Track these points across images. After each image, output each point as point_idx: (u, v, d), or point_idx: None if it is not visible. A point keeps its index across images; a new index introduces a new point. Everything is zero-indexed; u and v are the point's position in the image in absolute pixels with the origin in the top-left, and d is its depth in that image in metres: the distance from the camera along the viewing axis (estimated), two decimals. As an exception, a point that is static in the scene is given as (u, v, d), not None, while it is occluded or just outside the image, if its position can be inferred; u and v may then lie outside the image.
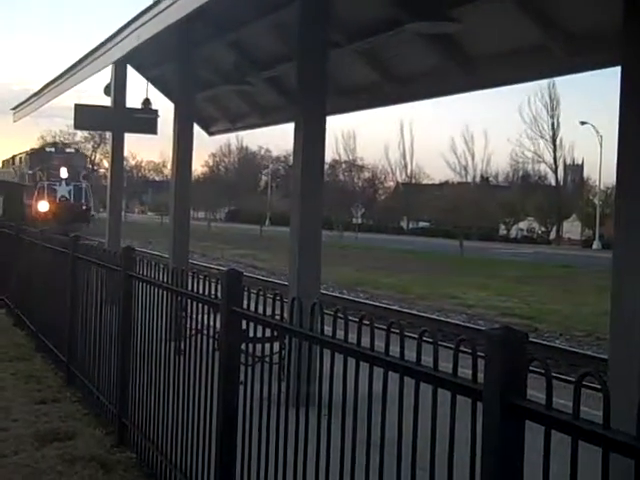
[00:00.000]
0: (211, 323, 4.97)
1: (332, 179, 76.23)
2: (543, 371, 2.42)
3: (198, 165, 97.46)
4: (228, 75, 11.82)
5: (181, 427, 5.27)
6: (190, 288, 5.35)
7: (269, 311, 4.19)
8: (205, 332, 5.08)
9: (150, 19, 9.00)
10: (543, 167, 78.69)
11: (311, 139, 8.17)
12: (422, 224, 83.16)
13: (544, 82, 70.78)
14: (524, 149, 77.53)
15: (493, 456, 2.43)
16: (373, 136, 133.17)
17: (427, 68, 9.19)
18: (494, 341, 2.46)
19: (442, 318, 18.32)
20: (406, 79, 9.66)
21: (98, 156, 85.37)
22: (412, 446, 2.91)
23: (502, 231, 77.63)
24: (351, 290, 24.37)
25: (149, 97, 14.67)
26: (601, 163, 66.33)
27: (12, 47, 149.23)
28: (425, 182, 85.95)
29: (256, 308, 4.35)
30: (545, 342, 15.23)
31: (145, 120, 14.38)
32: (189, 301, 5.41)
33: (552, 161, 76.46)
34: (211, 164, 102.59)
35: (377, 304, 20.28)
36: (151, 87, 14.81)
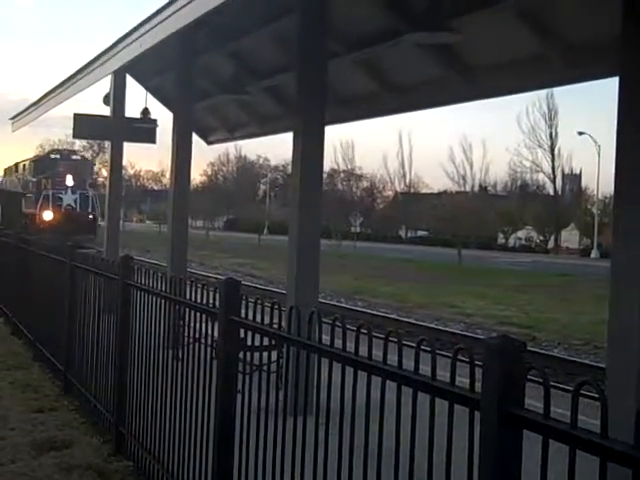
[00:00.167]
0: (209, 332, 4.97)
1: (331, 188, 76.21)
2: (541, 380, 2.42)
3: (197, 174, 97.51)
4: (227, 85, 11.84)
5: (178, 436, 5.26)
6: (188, 297, 5.35)
7: (267, 320, 4.19)
8: (203, 341, 5.08)
9: (150, 29, 9.02)
10: (541, 176, 78.80)
11: (310, 148, 8.18)
12: (420, 233, 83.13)
13: (542, 92, 70.94)
14: (522, 158, 77.68)
15: (490, 465, 2.43)
16: (372, 145, 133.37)
17: (426, 78, 9.21)
18: (492, 350, 2.46)
19: (440, 327, 18.31)
20: (405, 89, 9.68)
21: (97, 165, 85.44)
22: (410, 455, 2.91)
23: (500, 240, 77.64)
24: (349, 299, 24.35)
25: (148, 107, 14.71)
26: (599, 172, 66.59)
27: (10, 56, 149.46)
28: (424, 191, 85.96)
29: (254, 317, 4.35)
30: (543, 351, 15.22)
31: (144, 129, 14.40)
32: (187, 310, 5.41)
33: (550, 170, 76.59)
34: (210, 173, 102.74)
35: (375, 313, 20.26)
36: (150, 97, 14.86)
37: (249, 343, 4.53)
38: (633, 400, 4.63)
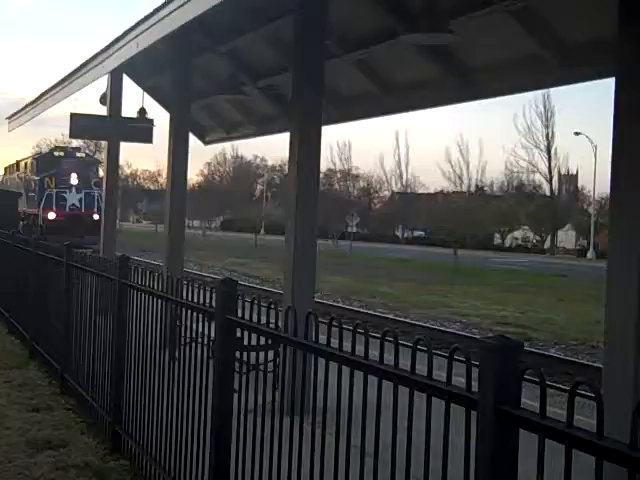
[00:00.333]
0: (206, 331, 4.97)
1: (327, 188, 76.28)
2: (537, 380, 2.43)
3: (193, 174, 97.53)
4: (224, 85, 11.83)
5: (175, 435, 5.27)
6: (185, 297, 5.35)
7: (264, 319, 4.20)
8: (200, 340, 5.08)
9: (146, 29, 9.01)
10: (538, 177, 78.80)
11: (306, 148, 8.18)
12: (417, 233, 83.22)
13: (539, 92, 70.99)
14: (519, 159, 77.68)
15: (487, 464, 2.44)
16: (368, 145, 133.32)
17: (422, 78, 9.21)
18: (488, 350, 2.47)
19: (437, 327, 18.33)
20: (401, 89, 9.69)
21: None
22: (406, 454, 2.91)
23: (497, 240, 77.72)
24: (346, 299, 24.35)
25: (145, 106, 14.69)
26: (595, 173, 66.71)
27: (9, 56, 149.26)
28: (420, 191, 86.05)
29: (251, 317, 4.35)
30: (540, 351, 15.23)
31: (141, 129, 14.38)
32: (184, 309, 5.42)
33: (547, 171, 76.57)
34: (206, 173, 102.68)
35: (372, 312, 20.27)
36: (147, 96, 14.85)
37: (246, 343, 4.53)
38: (629, 400, 4.64)
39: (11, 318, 12.47)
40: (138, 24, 9.37)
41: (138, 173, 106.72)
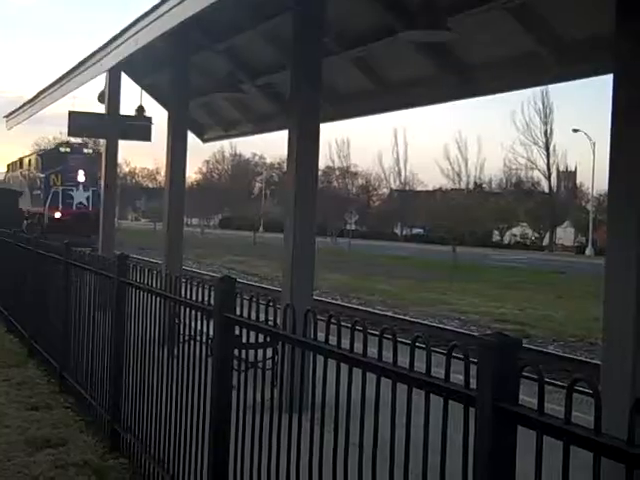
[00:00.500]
0: (204, 329, 4.98)
1: (326, 186, 76.28)
2: (536, 377, 2.43)
3: (192, 172, 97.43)
4: (222, 82, 11.83)
5: (174, 432, 5.27)
6: (184, 295, 5.35)
7: (262, 317, 4.20)
8: (198, 338, 5.09)
9: (145, 27, 9.00)
10: (536, 173, 78.83)
11: (305, 146, 8.19)
12: (416, 230, 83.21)
13: (537, 89, 70.99)
14: (517, 156, 77.80)
15: (485, 461, 2.44)
16: (367, 143, 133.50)
17: (421, 76, 9.21)
18: (486, 347, 2.47)
19: (435, 324, 18.34)
20: (400, 87, 9.69)
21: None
22: (405, 451, 2.92)
23: (495, 237, 77.73)
24: (345, 296, 24.36)
25: (143, 104, 14.67)
26: (594, 169, 66.67)
27: (8, 54, 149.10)
28: (419, 189, 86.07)
29: (249, 314, 4.36)
30: (538, 348, 15.24)
31: (139, 127, 14.39)
32: (182, 307, 5.42)
33: (545, 168, 76.61)
34: (205, 171, 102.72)
35: (371, 310, 20.28)
36: (145, 94, 14.84)
37: (244, 340, 4.54)
38: (627, 396, 4.64)
39: (10, 316, 12.47)
40: (136, 22, 9.36)
41: (136, 171, 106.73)
